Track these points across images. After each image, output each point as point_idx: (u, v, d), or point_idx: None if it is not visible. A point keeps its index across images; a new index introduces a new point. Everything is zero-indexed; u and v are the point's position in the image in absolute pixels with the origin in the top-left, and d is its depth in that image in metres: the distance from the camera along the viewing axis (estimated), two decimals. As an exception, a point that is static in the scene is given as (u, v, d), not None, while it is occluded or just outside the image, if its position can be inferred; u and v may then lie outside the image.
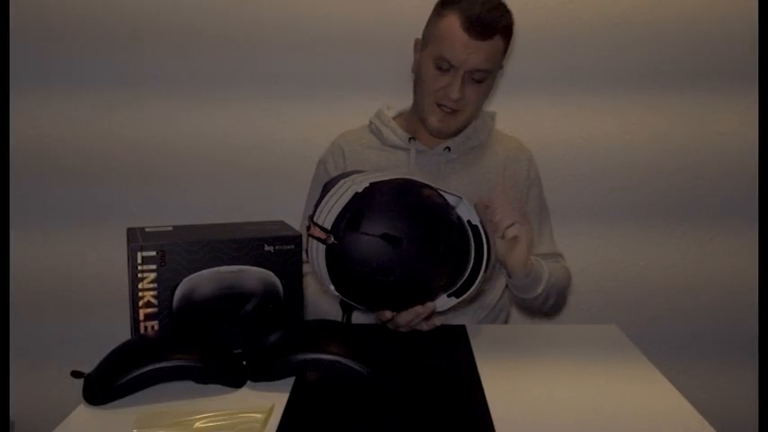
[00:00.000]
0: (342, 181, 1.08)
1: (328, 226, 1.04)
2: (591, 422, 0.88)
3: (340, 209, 1.04)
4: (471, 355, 1.09)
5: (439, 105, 1.34)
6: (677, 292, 1.86)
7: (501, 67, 1.37)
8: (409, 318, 1.14)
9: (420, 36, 1.39)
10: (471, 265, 1.11)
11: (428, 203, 1.06)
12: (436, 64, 1.30)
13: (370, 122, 1.49)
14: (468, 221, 1.11)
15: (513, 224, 1.21)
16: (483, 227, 1.10)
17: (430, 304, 1.12)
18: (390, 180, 1.07)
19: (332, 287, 1.08)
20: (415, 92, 1.40)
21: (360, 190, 1.05)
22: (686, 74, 1.78)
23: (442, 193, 1.10)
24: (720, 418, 1.84)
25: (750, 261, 1.84)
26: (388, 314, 1.14)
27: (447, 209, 1.08)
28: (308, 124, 1.80)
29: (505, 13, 1.31)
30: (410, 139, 1.43)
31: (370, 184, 1.05)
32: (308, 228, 1.09)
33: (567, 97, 1.80)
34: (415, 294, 1.09)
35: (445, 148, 1.42)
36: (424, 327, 1.18)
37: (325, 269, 1.06)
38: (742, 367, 1.87)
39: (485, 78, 1.32)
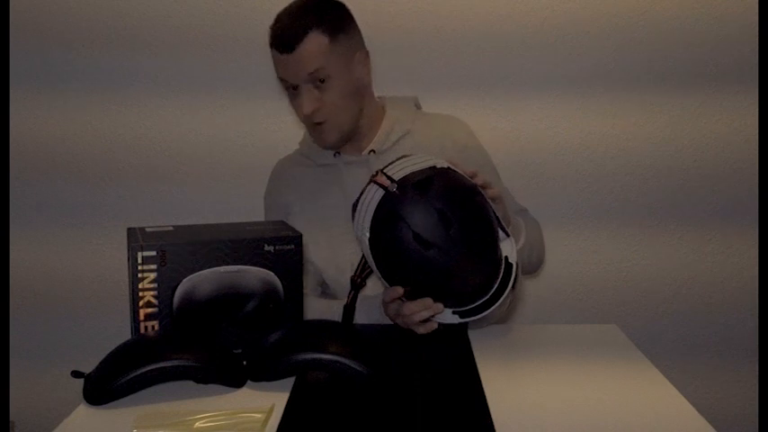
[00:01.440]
0: (422, 155, 1.12)
1: (397, 179, 1.07)
2: (591, 422, 0.88)
3: (414, 170, 1.07)
4: (471, 355, 1.09)
5: (308, 125, 1.35)
6: (677, 292, 1.86)
7: (358, 50, 1.34)
8: (416, 308, 1.12)
9: None
10: (489, 296, 1.12)
11: (490, 217, 1.10)
12: (287, 89, 1.33)
13: (300, 146, 1.49)
14: (506, 257, 1.12)
15: (491, 185, 1.18)
16: (516, 270, 1.12)
17: (440, 305, 1.12)
18: (467, 179, 1.11)
19: (367, 234, 1.08)
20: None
21: (438, 165, 1.09)
22: (686, 74, 1.78)
23: (500, 222, 1.13)
24: (720, 418, 1.85)
25: (750, 261, 1.84)
26: (400, 290, 1.12)
27: (497, 236, 1.12)
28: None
29: (309, 12, 1.28)
30: (335, 153, 1.41)
31: (448, 167, 1.09)
32: (374, 175, 1.10)
33: (566, 97, 1.80)
34: (435, 283, 1.09)
35: (370, 152, 1.39)
36: (421, 329, 1.16)
37: (371, 216, 1.07)
38: (742, 367, 1.87)
39: (328, 77, 1.29)
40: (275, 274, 1.07)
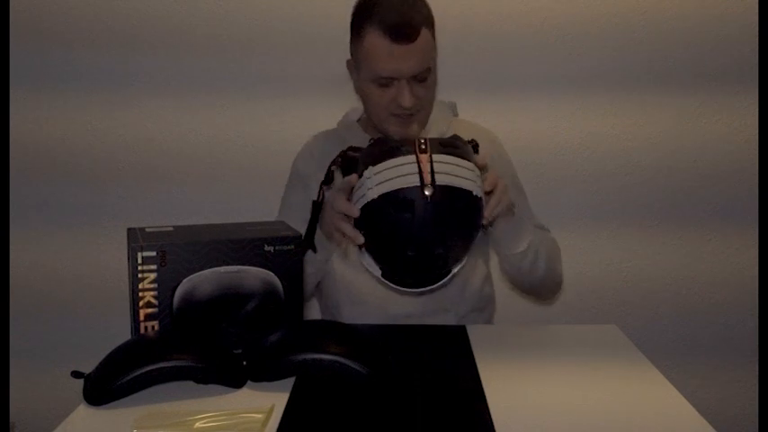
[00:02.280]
0: (470, 169, 1.12)
1: (438, 183, 1.07)
2: (591, 422, 0.88)
3: (454, 186, 1.07)
4: (471, 355, 1.09)
5: (394, 115, 1.32)
6: (677, 293, 1.86)
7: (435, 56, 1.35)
8: (343, 207, 1.12)
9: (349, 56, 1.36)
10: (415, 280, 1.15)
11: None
12: (377, 83, 1.28)
13: (337, 126, 1.49)
14: (452, 271, 1.15)
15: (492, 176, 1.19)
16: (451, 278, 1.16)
17: (359, 237, 1.12)
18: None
19: (375, 196, 1.08)
20: (366, 109, 1.38)
21: (475, 193, 1.09)
22: (686, 74, 1.78)
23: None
24: (720, 418, 1.85)
25: (750, 261, 1.84)
26: (359, 237, 1.12)
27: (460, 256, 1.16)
28: (309, 124, 1.80)
29: (421, 2, 1.28)
30: (370, 140, 1.42)
31: (481, 198, 1.12)
32: (422, 147, 1.09)
33: (566, 98, 1.80)
34: (393, 243, 1.10)
35: None
36: (336, 236, 1.16)
37: (390, 189, 1.07)
38: (742, 367, 1.87)
39: (429, 72, 1.29)
40: (275, 274, 1.08)
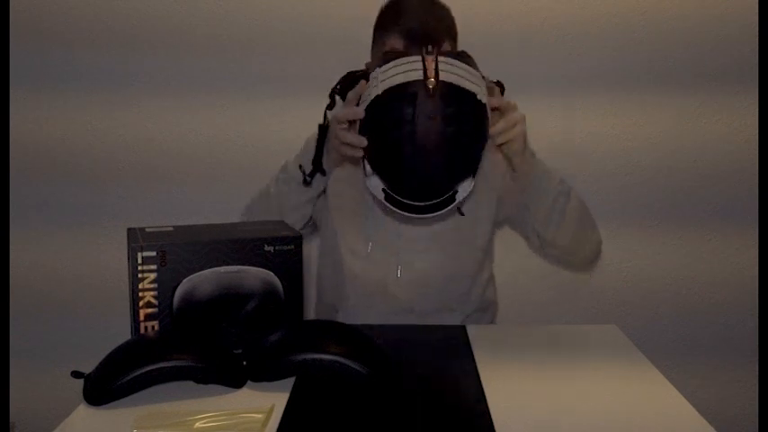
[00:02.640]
0: (474, 74, 1.15)
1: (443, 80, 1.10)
2: (591, 422, 0.88)
3: (459, 86, 1.11)
4: (471, 355, 1.09)
5: None
6: (677, 292, 1.86)
7: None
8: (350, 114, 1.16)
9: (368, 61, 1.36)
10: (420, 205, 1.16)
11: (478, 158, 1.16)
12: None
13: None
14: (456, 192, 1.16)
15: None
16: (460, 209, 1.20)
17: (363, 140, 1.14)
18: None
19: (379, 92, 1.10)
20: None
21: (479, 97, 1.12)
22: (686, 74, 1.78)
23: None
24: (720, 418, 1.84)
25: (750, 261, 1.84)
26: (362, 141, 1.15)
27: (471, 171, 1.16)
28: (309, 124, 1.80)
29: (445, 14, 1.29)
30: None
31: (485, 104, 1.15)
32: (429, 50, 1.11)
33: (566, 98, 1.80)
34: (394, 156, 1.12)
35: None
36: (342, 149, 1.19)
37: (395, 85, 1.09)
38: (742, 367, 1.87)
39: None
40: (275, 274, 1.08)
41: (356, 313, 1.39)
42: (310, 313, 1.56)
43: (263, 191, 1.43)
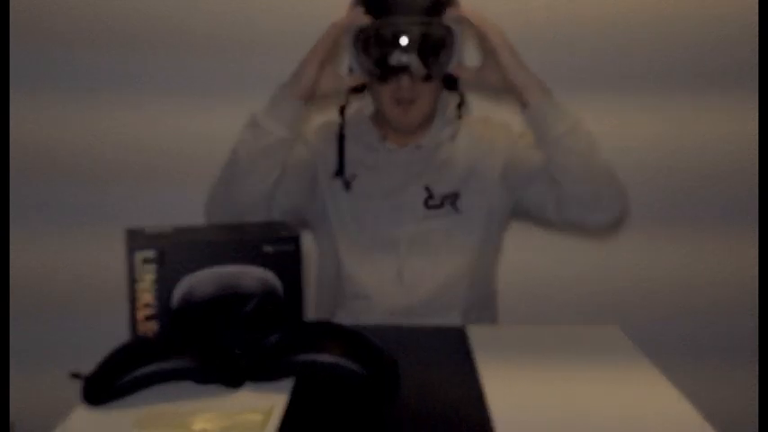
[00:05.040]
0: None
1: None
2: (591, 423, 0.88)
3: None
4: (471, 355, 1.09)
5: (397, 100, 1.36)
6: (677, 293, 1.86)
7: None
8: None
9: None
10: None
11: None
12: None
13: (350, 118, 1.50)
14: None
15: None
16: None
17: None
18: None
19: None
20: (373, 99, 1.44)
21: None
22: (686, 74, 1.78)
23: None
24: (720, 418, 1.84)
25: (750, 261, 1.84)
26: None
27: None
28: (309, 124, 1.80)
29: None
30: (382, 138, 1.46)
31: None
32: None
33: (565, 98, 1.80)
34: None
35: (416, 147, 1.44)
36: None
37: None
38: (742, 367, 1.87)
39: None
40: (275, 274, 1.07)
41: (355, 314, 1.39)
42: (310, 314, 1.56)
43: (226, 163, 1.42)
